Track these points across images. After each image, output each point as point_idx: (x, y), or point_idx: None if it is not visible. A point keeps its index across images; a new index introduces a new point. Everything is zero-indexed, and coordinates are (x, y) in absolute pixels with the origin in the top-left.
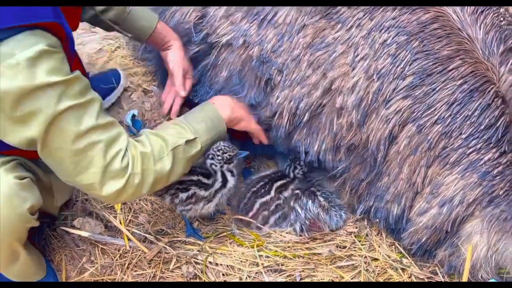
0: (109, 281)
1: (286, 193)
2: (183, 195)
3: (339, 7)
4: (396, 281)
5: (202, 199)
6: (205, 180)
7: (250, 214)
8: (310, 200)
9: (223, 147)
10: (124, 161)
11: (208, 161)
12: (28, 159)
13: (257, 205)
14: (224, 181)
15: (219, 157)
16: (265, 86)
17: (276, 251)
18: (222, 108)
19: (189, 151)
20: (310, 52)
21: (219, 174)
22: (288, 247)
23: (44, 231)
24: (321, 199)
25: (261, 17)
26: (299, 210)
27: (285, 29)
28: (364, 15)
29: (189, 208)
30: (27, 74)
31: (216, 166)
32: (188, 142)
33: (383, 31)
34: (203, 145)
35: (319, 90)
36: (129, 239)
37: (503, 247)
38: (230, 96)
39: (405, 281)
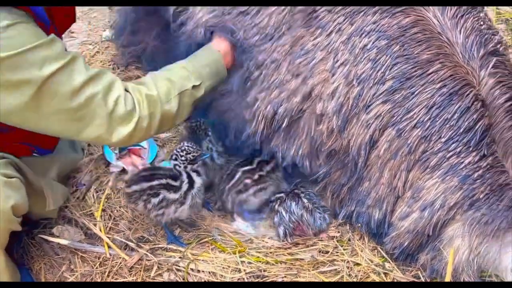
0: None
1: (269, 167)
2: (155, 200)
3: (320, 11)
4: None
5: (173, 202)
6: (173, 183)
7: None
8: (294, 202)
9: (186, 148)
10: (128, 105)
11: (172, 162)
12: (19, 159)
13: (239, 173)
14: (191, 181)
15: (183, 158)
16: (243, 75)
17: (258, 257)
18: (225, 56)
19: (195, 95)
20: (289, 59)
21: (184, 176)
22: (270, 252)
23: (23, 240)
24: (305, 200)
25: (244, 12)
26: (283, 213)
27: (268, 30)
28: (344, 20)
29: (162, 213)
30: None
31: (179, 167)
32: (194, 87)
33: (363, 35)
34: (206, 89)
35: (298, 96)
36: (109, 247)
37: (485, 250)
38: (227, 40)
39: None
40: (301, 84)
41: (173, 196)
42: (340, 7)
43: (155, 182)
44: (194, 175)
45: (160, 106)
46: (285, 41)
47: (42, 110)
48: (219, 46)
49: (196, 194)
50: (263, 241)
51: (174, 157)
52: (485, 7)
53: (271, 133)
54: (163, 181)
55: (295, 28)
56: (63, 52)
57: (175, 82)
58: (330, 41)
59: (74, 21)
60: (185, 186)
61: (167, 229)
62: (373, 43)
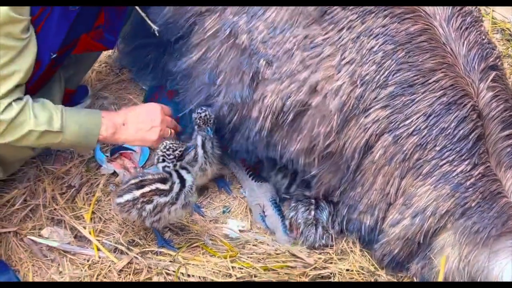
0: None
1: None
2: (150, 207)
3: (334, 7)
4: None
5: (165, 205)
6: (162, 186)
7: None
8: (304, 208)
9: (171, 145)
10: None
11: (160, 165)
12: None
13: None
14: (182, 180)
15: (171, 156)
16: (251, 81)
17: (249, 262)
18: (108, 126)
19: (44, 139)
20: (302, 49)
21: (175, 176)
22: (262, 258)
23: (10, 242)
24: (312, 213)
25: (251, 14)
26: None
27: (276, 24)
28: (357, 18)
29: (158, 218)
30: None
31: (169, 167)
32: (48, 132)
33: (371, 37)
34: (63, 142)
35: (305, 88)
36: (98, 249)
37: (474, 259)
38: (130, 111)
39: None
40: (308, 77)
41: (164, 199)
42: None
43: (146, 189)
44: (184, 172)
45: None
46: (299, 32)
47: None
48: (112, 117)
49: (188, 192)
50: (255, 246)
51: (161, 159)
52: (482, 17)
53: (275, 128)
54: (153, 186)
55: (309, 21)
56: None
57: (38, 117)
58: (340, 37)
59: None
60: (177, 187)
61: (157, 232)
62: (380, 46)
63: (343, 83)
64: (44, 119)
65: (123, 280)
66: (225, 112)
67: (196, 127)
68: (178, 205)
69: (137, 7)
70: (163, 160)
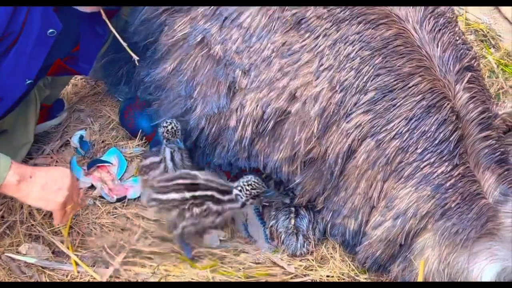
0: None
1: None
2: (197, 210)
3: (309, 15)
4: None
5: (213, 214)
6: (219, 196)
7: None
8: (284, 217)
9: (253, 183)
10: None
11: (235, 191)
12: None
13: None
14: (243, 205)
15: (247, 192)
16: (228, 91)
17: (230, 271)
18: (15, 172)
19: None
20: (280, 56)
21: (240, 202)
22: (243, 268)
23: None
24: (293, 221)
25: (223, 18)
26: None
27: (252, 30)
28: (331, 26)
29: (197, 222)
30: None
31: (241, 198)
32: None
33: (347, 43)
34: None
35: (285, 96)
36: (77, 264)
37: (454, 260)
38: (47, 172)
39: None
40: (287, 84)
41: (216, 207)
42: (327, 14)
43: (198, 193)
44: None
45: None
46: (276, 38)
47: None
48: (21, 167)
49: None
50: (235, 255)
51: (239, 188)
52: (456, 18)
53: (256, 137)
54: (209, 192)
55: (286, 27)
56: None
57: None
58: (317, 44)
59: None
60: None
61: (184, 243)
62: (356, 52)
63: (322, 89)
64: None
65: None
66: (204, 124)
67: (164, 141)
68: (218, 220)
69: (118, 36)
70: (240, 191)
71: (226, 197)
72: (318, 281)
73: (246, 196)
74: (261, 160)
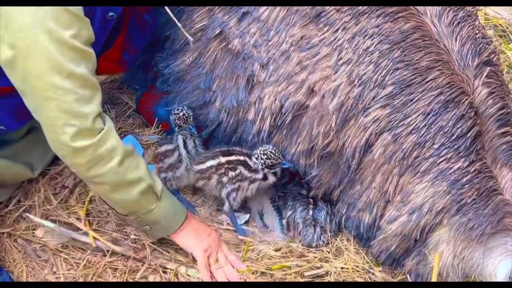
0: None
1: None
2: (233, 173)
3: (328, 9)
4: None
5: (247, 178)
6: (249, 162)
7: None
8: (302, 207)
9: (268, 153)
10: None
11: (253, 159)
12: None
13: None
14: (265, 178)
15: (262, 161)
16: (247, 84)
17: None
18: (185, 230)
19: (144, 199)
20: (299, 50)
21: (260, 173)
22: (257, 259)
23: (4, 243)
24: (311, 212)
25: (242, 11)
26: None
27: (271, 23)
28: (351, 19)
29: (238, 187)
30: None
31: (258, 166)
32: (151, 191)
33: (367, 37)
34: (150, 215)
35: (303, 89)
36: (95, 239)
37: (469, 255)
38: (205, 229)
39: None
40: (306, 78)
41: (247, 173)
42: (347, 6)
43: (233, 158)
44: (270, 175)
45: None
46: (295, 32)
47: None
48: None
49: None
50: (250, 246)
51: (256, 156)
52: (476, 11)
53: (274, 130)
54: (241, 157)
55: (305, 21)
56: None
57: (143, 178)
58: (336, 37)
59: None
60: (258, 176)
61: (233, 216)
62: (375, 46)
63: (341, 83)
64: (145, 172)
65: (118, 280)
66: (223, 117)
67: (176, 128)
68: (254, 187)
69: (173, 17)
70: (256, 158)
71: (252, 163)
72: (332, 272)
73: (261, 165)
74: None
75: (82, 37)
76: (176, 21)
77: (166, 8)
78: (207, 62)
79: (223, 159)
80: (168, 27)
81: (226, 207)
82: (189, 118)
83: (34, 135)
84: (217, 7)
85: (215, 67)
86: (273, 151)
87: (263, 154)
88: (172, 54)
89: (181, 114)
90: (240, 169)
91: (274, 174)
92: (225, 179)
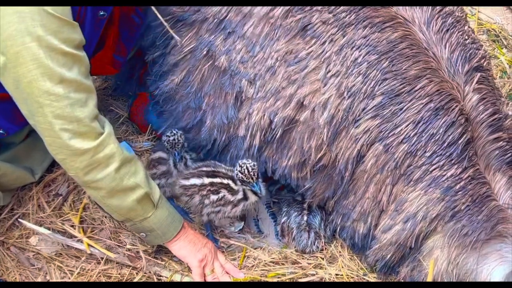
0: None
1: None
2: (214, 197)
3: (314, 21)
4: None
5: (230, 203)
6: (233, 185)
7: None
8: (296, 213)
9: (244, 168)
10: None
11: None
12: None
13: None
14: (245, 197)
15: (236, 171)
16: (235, 101)
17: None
18: (181, 239)
19: (140, 206)
20: (285, 65)
21: (240, 191)
22: (252, 266)
23: None
24: (305, 218)
25: (228, 30)
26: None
27: (255, 39)
28: (337, 31)
29: (218, 211)
30: None
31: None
32: (147, 198)
33: (354, 48)
34: (144, 223)
35: (292, 104)
36: (91, 246)
37: (463, 262)
38: (200, 240)
39: None
40: (294, 93)
41: (231, 197)
42: (333, 19)
43: (217, 180)
44: (249, 192)
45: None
46: (280, 47)
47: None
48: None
49: (249, 205)
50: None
51: (237, 165)
52: (468, 19)
53: (264, 145)
54: (225, 181)
55: (290, 35)
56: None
57: (140, 185)
58: (323, 50)
59: None
60: (240, 196)
61: (209, 227)
62: (363, 57)
63: (330, 95)
64: (143, 180)
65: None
66: (215, 135)
67: (165, 149)
68: (238, 211)
69: (161, 18)
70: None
71: (237, 187)
72: (327, 279)
73: (236, 176)
74: (270, 166)
75: (73, 42)
76: (163, 20)
77: (153, 8)
78: (195, 80)
79: (206, 180)
80: (155, 42)
81: (204, 219)
82: (177, 145)
83: (33, 139)
84: (204, 29)
85: (203, 85)
86: (249, 168)
87: (240, 167)
88: (162, 75)
89: (171, 138)
90: (223, 193)
91: (254, 193)
92: (206, 201)
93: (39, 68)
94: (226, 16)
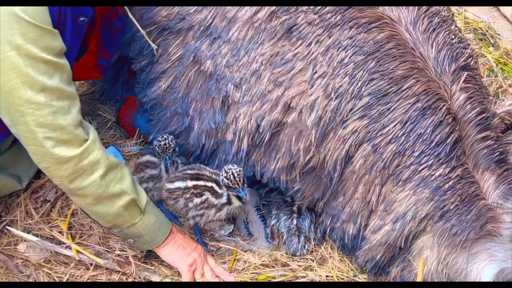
0: None
1: None
2: (198, 200)
3: (300, 22)
4: None
5: (213, 206)
6: (216, 189)
7: None
8: (286, 217)
9: (230, 174)
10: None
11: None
12: None
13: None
14: (229, 201)
15: (222, 177)
16: (222, 105)
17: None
18: (170, 244)
19: (127, 212)
20: (270, 68)
21: (225, 195)
22: (242, 269)
23: None
24: (295, 221)
25: (214, 35)
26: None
27: (240, 43)
28: (323, 32)
29: (202, 214)
30: None
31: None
32: (134, 205)
33: (340, 49)
34: (132, 229)
35: (279, 107)
36: (80, 252)
37: (453, 261)
38: (190, 245)
39: None
40: (281, 95)
41: (214, 200)
42: (319, 19)
43: (200, 183)
44: (233, 197)
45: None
46: (265, 50)
47: None
48: (179, 242)
49: (233, 210)
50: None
51: (222, 170)
52: (455, 18)
53: (252, 149)
54: (209, 184)
55: (275, 38)
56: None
57: (126, 192)
58: (310, 51)
59: None
60: (224, 199)
61: (197, 231)
62: (350, 57)
63: (318, 97)
64: (130, 186)
65: None
66: (204, 141)
67: (156, 154)
68: (222, 215)
69: (138, 25)
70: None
71: (221, 191)
72: (317, 281)
73: (222, 181)
74: (258, 170)
75: (53, 50)
76: (139, 27)
77: (129, 12)
78: (182, 85)
79: (190, 183)
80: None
81: (191, 223)
82: (168, 150)
83: (19, 146)
84: (190, 35)
85: (190, 91)
86: (235, 174)
87: (226, 172)
88: (149, 83)
89: (162, 143)
90: (207, 195)
91: (239, 198)
92: (190, 204)
93: (19, 77)
94: (211, 23)
